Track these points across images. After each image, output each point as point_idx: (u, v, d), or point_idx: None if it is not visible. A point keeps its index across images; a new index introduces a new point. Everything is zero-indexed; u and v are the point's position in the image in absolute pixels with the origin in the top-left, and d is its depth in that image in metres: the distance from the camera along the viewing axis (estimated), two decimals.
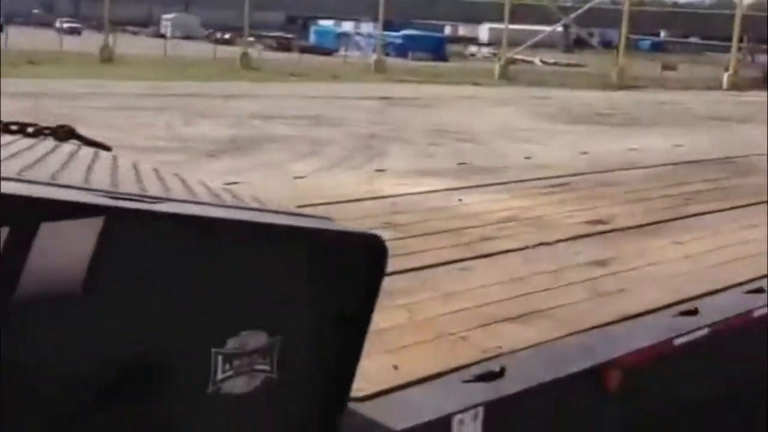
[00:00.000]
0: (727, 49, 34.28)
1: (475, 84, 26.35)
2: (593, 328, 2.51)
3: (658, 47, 54.18)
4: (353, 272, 1.73)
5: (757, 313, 2.86)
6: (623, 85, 27.61)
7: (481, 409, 2.06)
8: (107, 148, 2.48)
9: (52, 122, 2.52)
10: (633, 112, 19.43)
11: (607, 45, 42.51)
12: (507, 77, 28.46)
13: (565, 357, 2.32)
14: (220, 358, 1.59)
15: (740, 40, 44.27)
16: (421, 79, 26.91)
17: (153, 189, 1.73)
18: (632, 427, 2.44)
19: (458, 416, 2.02)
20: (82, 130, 2.53)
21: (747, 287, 2.97)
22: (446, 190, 4.47)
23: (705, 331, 2.66)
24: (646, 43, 54.72)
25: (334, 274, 1.72)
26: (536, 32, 37.71)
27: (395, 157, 11.47)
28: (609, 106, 20.75)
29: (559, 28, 50.40)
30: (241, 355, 1.62)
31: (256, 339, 1.64)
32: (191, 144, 11.98)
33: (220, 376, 1.60)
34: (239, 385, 1.63)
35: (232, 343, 1.60)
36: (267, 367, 1.66)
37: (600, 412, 2.35)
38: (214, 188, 1.99)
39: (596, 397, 2.33)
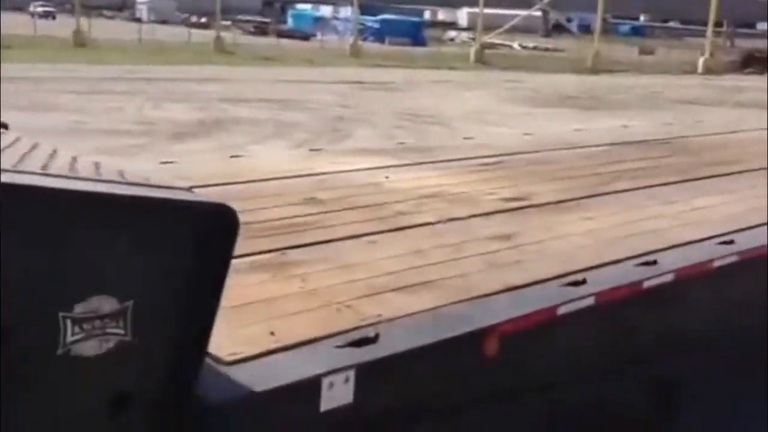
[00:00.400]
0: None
1: (450, 68, 26.40)
2: (477, 297, 2.59)
3: (637, 32, 54.34)
4: (205, 240, 1.79)
5: (647, 284, 2.95)
6: (598, 70, 27.73)
7: (352, 373, 2.13)
8: (4, 126, 2.52)
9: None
10: (603, 96, 19.57)
11: (586, 29, 42.62)
12: (483, 61, 28.51)
13: (443, 324, 2.39)
14: (68, 321, 1.66)
15: (720, 25, 44.58)
16: (396, 64, 26.91)
17: (23, 165, 1.79)
18: (511, 393, 2.52)
19: (328, 379, 2.09)
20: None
21: (640, 260, 3.05)
22: (377, 168, 4.53)
23: (590, 301, 2.74)
24: (626, 27, 54.88)
25: (187, 243, 1.79)
26: (515, 17, 37.77)
27: (357, 138, 11.56)
28: (580, 90, 20.89)
29: (538, 13, 50.41)
30: (92, 319, 1.70)
31: (107, 304, 1.71)
32: (157, 127, 11.99)
33: (69, 338, 1.68)
34: (90, 348, 1.71)
35: (80, 308, 1.67)
36: (120, 331, 1.74)
37: (478, 378, 2.43)
38: (92, 166, 2.03)
39: (474, 364, 2.41)
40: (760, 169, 4.95)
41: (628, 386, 3.01)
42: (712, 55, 30.57)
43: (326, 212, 3.49)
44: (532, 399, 2.61)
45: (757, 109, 15.81)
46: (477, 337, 2.41)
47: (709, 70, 27.45)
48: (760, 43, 33.85)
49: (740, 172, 4.81)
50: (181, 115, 13.05)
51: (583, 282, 2.82)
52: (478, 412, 2.45)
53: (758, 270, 3.43)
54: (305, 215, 3.41)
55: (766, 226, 3.63)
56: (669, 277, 3.04)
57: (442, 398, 2.37)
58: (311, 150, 5.36)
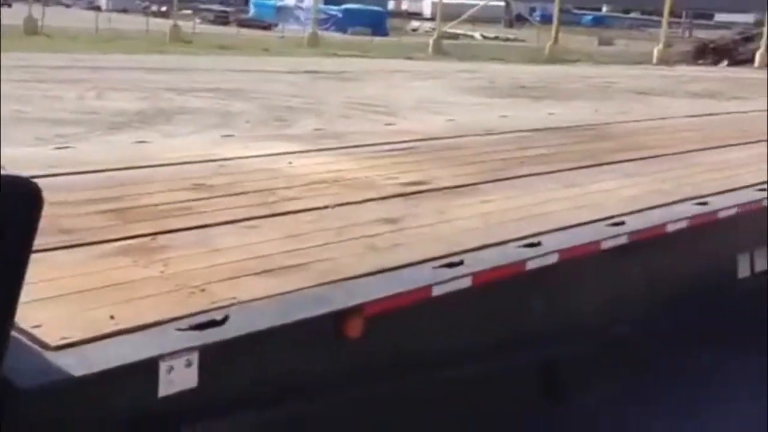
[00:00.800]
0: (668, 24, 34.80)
1: (408, 58, 26.33)
2: (345, 279, 2.54)
3: (599, 22, 54.72)
4: (3, 217, 1.71)
5: (529, 266, 2.92)
6: (557, 60, 27.86)
7: (195, 356, 2.06)
8: None
9: None
10: (557, 85, 19.65)
11: (549, 20, 42.84)
12: (442, 52, 28.47)
13: (302, 306, 2.33)
14: None
15: (679, 16, 45.10)
16: (355, 54, 26.75)
17: None
18: (379, 375, 2.47)
19: (166, 362, 2.02)
20: None
21: (525, 241, 3.02)
22: (284, 153, 4.46)
23: (467, 282, 2.71)
24: (588, 18, 55.28)
25: None
26: (477, 7, 37.84)
27: (300, 127, 11.45)
28: (535, 80, 20.95)
29: (501, 3, 50.49)
30: None
31: None
32: (96, 117, 11.75)
33: None
34: None
35: None
36: None
37: (339, 360, 2.38)
38: None
39: (334, 345, 2.36)
40: (673, 153, 4.98)
41: (511, 367, 2.98)
42: (670, 45, 30.88)
43: (211, 198, 3.41)
44: (403, 380, 2.57)
45: (704, 98, 16.05)
46: (337, 318, 2.35)
47: (663, 61, 27.74)
48: (717, 35, 34.31)
49: (652, 157, 4.82)
50: (123, 105, 12.81)
51: (460, 263, 2.78)
52: (340, 395, 2.40)
53: (648, 251, 3.43)
54: (188, 201, 3.33)
55: (660, 208, 3.64)
56: (553, 259, 3.02)
57: (298, 381, 2.31)
58: (223, 136, 5.25)
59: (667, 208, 3.66)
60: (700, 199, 3.81)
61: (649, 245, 3.44)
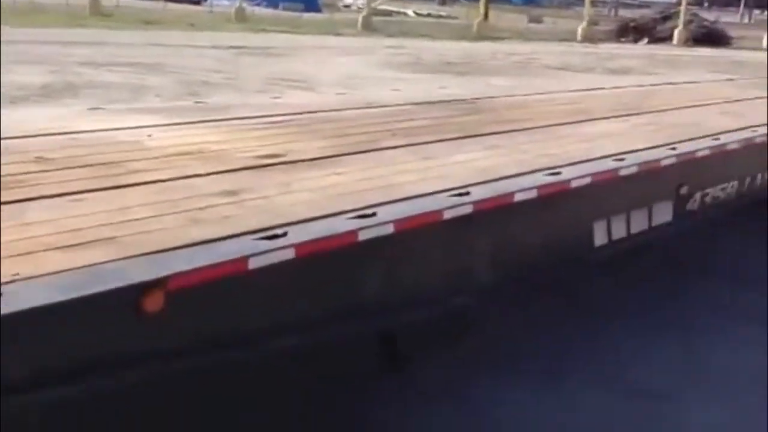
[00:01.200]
0: (595, 3, 35.30)
1: (337, 35, 26.11)
2: (153, 252, 2.47)
3: (530, 1, 55.20)
4: None
5: (361, 237, 2.90)
6: (486, 37, 28.00)
7: None
8: None
9: None
10: (481, 62, 19.77)
11: None
12: (371, 28, 28.29)
13: (94, 280, 2.25)
14: None
15: None
16: (283, 29, 26.38)
17: None
18: (182, 351, 2.42)
19: None
20: None
21: (360, 212, 3.00)
22: (148, 126, 4.34)
23: (289, 253, 2.67)
24: None
25: None
26: None
27: (211, 102, 11.18)
28: (461, 57, 21.03)
29: None
30: None
31: None
32: None
33: None
34: None
35: None
36: None
37: (137, 336, 2.32)
38: None
39: (131, 321, 2.29)
40: (543, 126, 5.02)
41: (345, 339, 2.97)
42: (595, 24, 31.37)
43: (47, 171, 3.29)
44: (213, 356, 2.53)
45: (618, 74, 16.37)
46: (136, 292, 2.29)
47: (587, 39, 28.18)
48: (639, 14, 35.04)
49: (520, 130, 4.85)
50: (29, 79, 12.36)
51: (284, 235, 2.74)
52: (139, 372, 2.34)
53: (497, 221, 3.45)
54: (20, 174, 3.20)
55: (512, 179, 3.66)
56: (388, 229, 3.00)
57: (92, 358, 2.24)
58: (90, 109, 5.08)
59: (518, 178, 3.68)
60: (554, 170, 3.84)
61: (498, 215, 3.46)
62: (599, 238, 4.14)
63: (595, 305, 4.89)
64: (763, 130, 5.43)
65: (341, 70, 16.28)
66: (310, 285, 2.83)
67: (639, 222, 4.41)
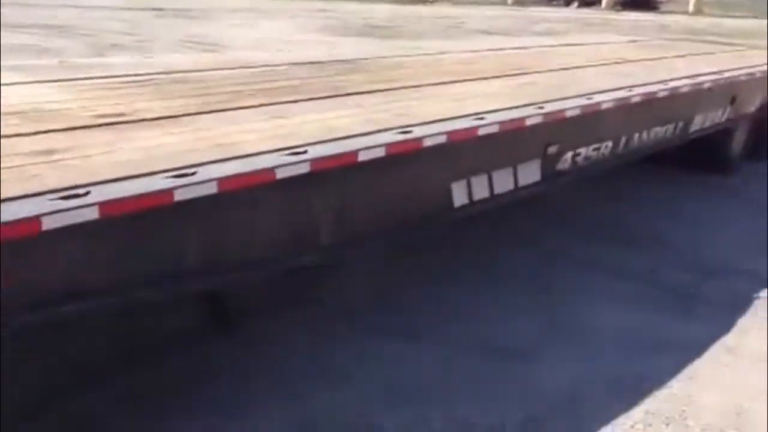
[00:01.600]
0: None
1: None
2: None
3: None
4: None
5: (178, 196, 2.80)
6: (415, 0, 27.84)
7: None
8: None
9: None
10: (410, 25, 19.64)
11: None
12: None
13: None
14: None
15: None
16: None
17: None
18: None
19: None
20: None
21: (179, 172, 2.89)
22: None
23: (93, 213, 2.56)
24: None
25: None
26: None
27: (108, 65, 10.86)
28: (390, 20, 20.86)
29: None
30: None
31: None
32: None
33: None
34: None
35: None
36: None
37: None
38: None
39: None
40: (414, 86, 4.95)
41: (166, 300, 2.90)
42: None
43: None
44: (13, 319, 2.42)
45: (543, 36, 16.43)
46: None
47: (519, 2, 28.25)
48: None
49: (389, 89, 4.77)
50: None
51: (87, 194, 2.63)
52: None
53: (341, 180, 3.39)
54: None
55: (359, 137, 3.58)
56: (211, 188, 2.90)
57: None
58: None
59: (367, 137, 3.61)
60: (407, 128, 3.78)
61: (342, 174, 3.39)
62: (459, 199, 4.12)
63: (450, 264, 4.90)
64: (639, 90, 5.47)
65: (264, 35, 15.97)
66: (124, 246, 2.73)
67: (503, 182, 4.40)
